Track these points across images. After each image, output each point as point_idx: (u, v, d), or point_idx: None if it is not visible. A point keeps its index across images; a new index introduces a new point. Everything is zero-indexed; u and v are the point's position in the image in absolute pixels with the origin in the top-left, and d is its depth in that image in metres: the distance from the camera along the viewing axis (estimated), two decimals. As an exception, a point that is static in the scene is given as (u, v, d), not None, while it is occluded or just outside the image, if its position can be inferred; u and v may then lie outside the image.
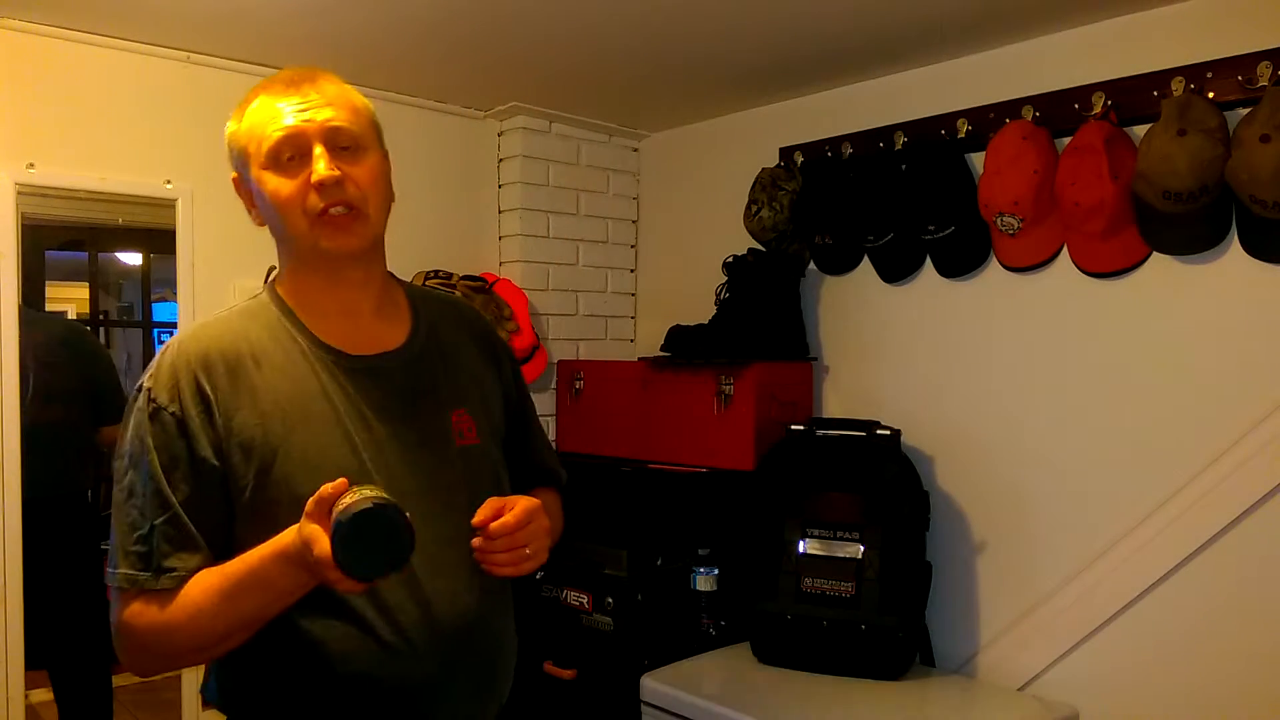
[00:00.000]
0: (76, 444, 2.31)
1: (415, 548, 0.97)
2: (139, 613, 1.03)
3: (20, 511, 2.00)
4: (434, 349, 1.20)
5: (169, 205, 2.24)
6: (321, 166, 1.06)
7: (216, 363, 1.07)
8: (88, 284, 2.51)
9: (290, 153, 1.07)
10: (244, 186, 1.14)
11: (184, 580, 1.03)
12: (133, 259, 2.61)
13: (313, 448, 1.07)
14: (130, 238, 2.38)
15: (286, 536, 0.98)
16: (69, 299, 2.40)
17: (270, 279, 1.21)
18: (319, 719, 1.09)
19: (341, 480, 0.95)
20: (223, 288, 2.32)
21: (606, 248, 2.97)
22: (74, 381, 2.25)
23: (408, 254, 2.57)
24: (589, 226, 2.92)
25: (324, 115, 1.08)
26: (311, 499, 0.94)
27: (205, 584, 1.02)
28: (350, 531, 0.91)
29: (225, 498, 1.06)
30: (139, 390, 1.07)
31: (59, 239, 2.29)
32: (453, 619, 1.11)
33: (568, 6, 1.95)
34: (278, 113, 1.08)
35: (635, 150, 3.02)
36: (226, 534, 1.06)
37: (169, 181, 2.23)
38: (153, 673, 1.12)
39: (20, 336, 2.05)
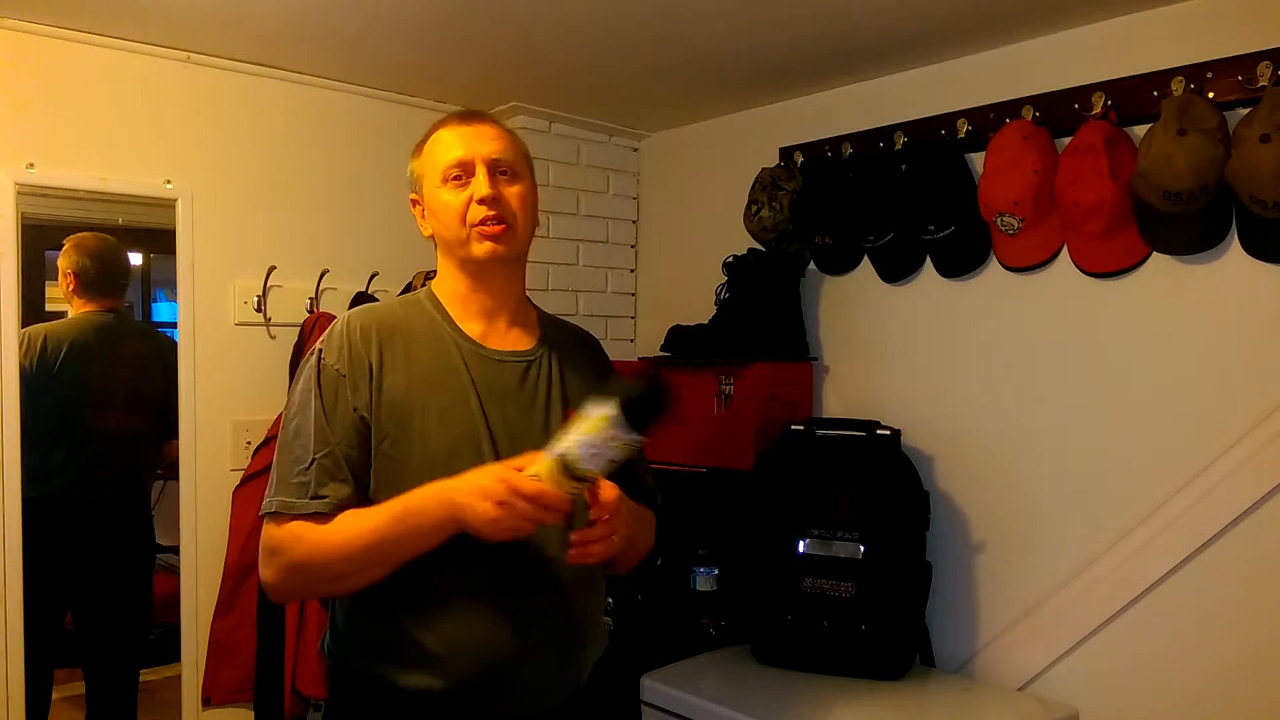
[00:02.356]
0: (146, 450, 2.37)
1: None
2: (296, 534, 1.21)
3: (20, 513, 2.00)
4: (554, 359, 1.40)
5: (169, 205, 2.24)
6: (483, 185, 1.30)
7: (376, 334, 1.30)
8: (88, 284, 2.51)
9: (459, 173, 1.32)
10: (418, 205, 1.40)
11: (335, 506, 1.22)
12: (133, 259, 2.61)
13: (447, 412, 1.28)
14: (130, 238, 2.39)
15: (446, 484, 1.17)
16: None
17: (423, 282, 1.45)
18: (414, 673, 1.23)
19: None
20: (223, 288, 2.33)
21: (606, 248, 2.97)
22: (157, 394, 2.31)
23: (408, 254, 2.57)
24: (589, 226, 2.92)
25: (489, 147, 1.33)
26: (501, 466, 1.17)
27: (357, 516, 1.21)
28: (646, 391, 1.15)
29: (368, 445, 1.26)
30: (312, 352, 1.30)
31: (59, 239, 2.29)
32: (544, 587, 1.28)
33: (568, 6, 1.95)
34: (453, 142, 1.34)
35: (635, 150, 3.02)
36: (366, 478, 1.26)
37: (169, 181, 2.23)
38: (290, 596, 1.32)
39: (122, 345, 2.29)
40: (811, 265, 2.51)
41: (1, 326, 2.00)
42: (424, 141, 1.39)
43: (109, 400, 2.30)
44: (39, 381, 2.11)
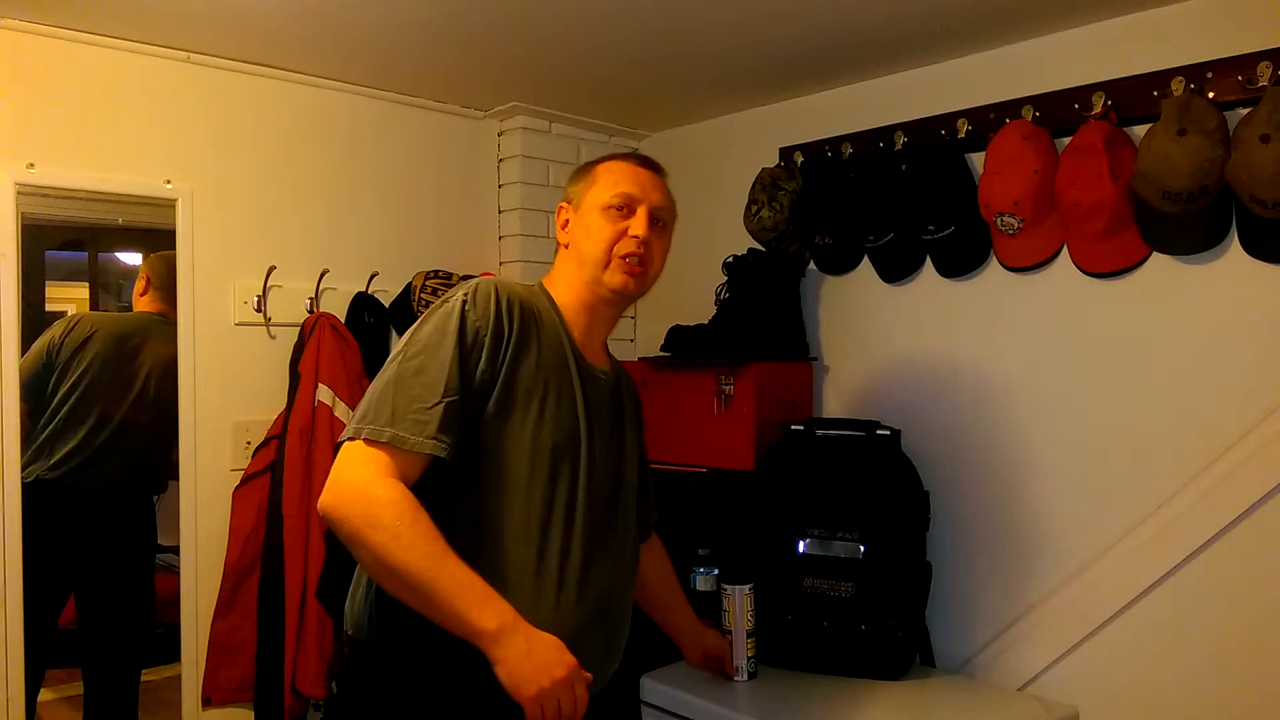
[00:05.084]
0: (158, 450, 2.36)
1: (595, 517, 1.37)
2: (397, 497, 1.18)
3: (20, 509, 2.00)
4: (619, 387, 1.52)
5: (169, 205, 2.24)
6: (642, 226, 1.41)
7: (521, 307, 1.35)
8: (88, 284, 2.51)
9: (623, 205, 1.41)
10: (565, 214, 1.48)
11: (448, 449, 1.23)
12: (133, 259, 2.61)
13: (562, 408, 1.34)
14: (130, 238, 2.39)
15: (520, 618, 1.19)
16: (69, 299, 2.40)
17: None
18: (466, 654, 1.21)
19: None
20: (223, 288, 2.32)
21: (606, 248, 2.96)
22: (176, 397, 2.31)
23: (408, 254, 2.57)
24: (589, 226, 2.91)
25: (656, 196, 1.45)
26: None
27: (446, 550, 1.18)
28: None
29: (481, 408, 1.28)
30: (446, 302, 1.31)
31: (59, 239, 2.30)
32: (600, 590, 1.36)
33: (568, 6, 1.95)
34: (628, 177, 1.44)
35: (635, 150, 3.02)
36: (473, 443, 1.28)
37: (169, 181, 2.23)
38: (336, 531, 1.23)
39: (153, 343, 2.30)
40: (811, 265, 2.51)
41: (1, 326, 2.00)
42: (596, 165, 1.48)
43: (123, 395, 2.30)
44: (53, 358, 2.16)
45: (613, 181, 1.43)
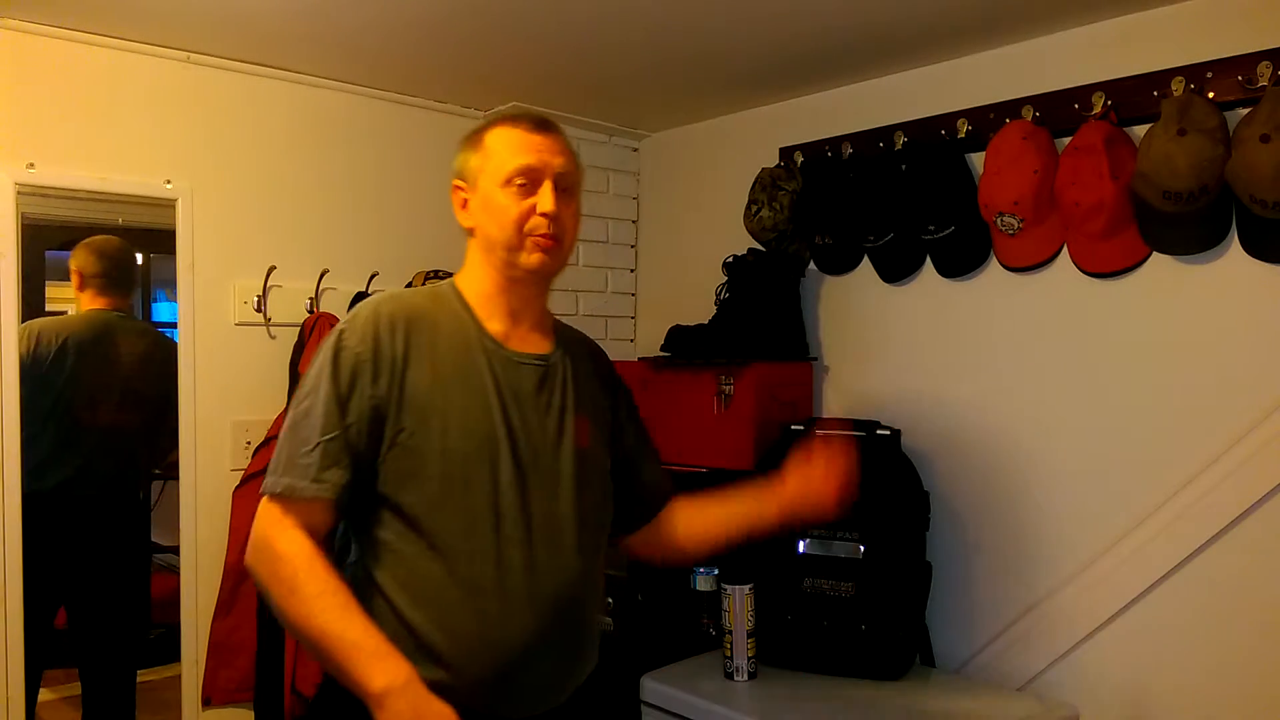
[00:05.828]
0: (140, 449, 2.36)
1: (528, 518, 1.26)
2: (293, 553, 1.18)
3: (20, 511, 2.00)
4: (567, 365, 1.40)
5: (169, 205, 2.24)
6: (549, 200, 1.30)
7: (403, 323, 1.28)
8: (88, 284, 2.51)
9: (525, 180, 1.30)
10: (461, 194, 1.37)
11: (337, 492, 1.21)
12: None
13: (469, 412, 1.27)
14: (130, 238, 2.39)
15: (413, 677, 1.14)
16: (69, 299, 2.40)
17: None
18: (423, 666, 1.19)
19: None
20: (223, 288, 2.32)
21: (606, 248, 2.97)
22: (154, 394, 2.30)
23: (408, 253, 2.57)
24: (589, 226, 2.91)
25: (558, 162, 1.32)
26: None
27: (347, 603, 1.17)
28: None
29: (379, 435, 1.24)
30: (335, 333, 1.27)
31: (59, 239, 2.30)
32: (551, 590, 1.28)
33: (567, 6, 1.95)
34: (524, 147, 1.31)
35: (635, 150, 3.02)
36: (373, 468, 1.24)
37: (169, 181, 2.23)
38: (260, 592, 1.23)
39: (121, 343, 2.27)
40: (811, 265, 2.51)
41: (1, 326, 2.00)
42: (483, 133, 1.35)
43: (104, 398, 2.29)
44: (32, 375, 2.10)
45: (509, 154, 1.31)
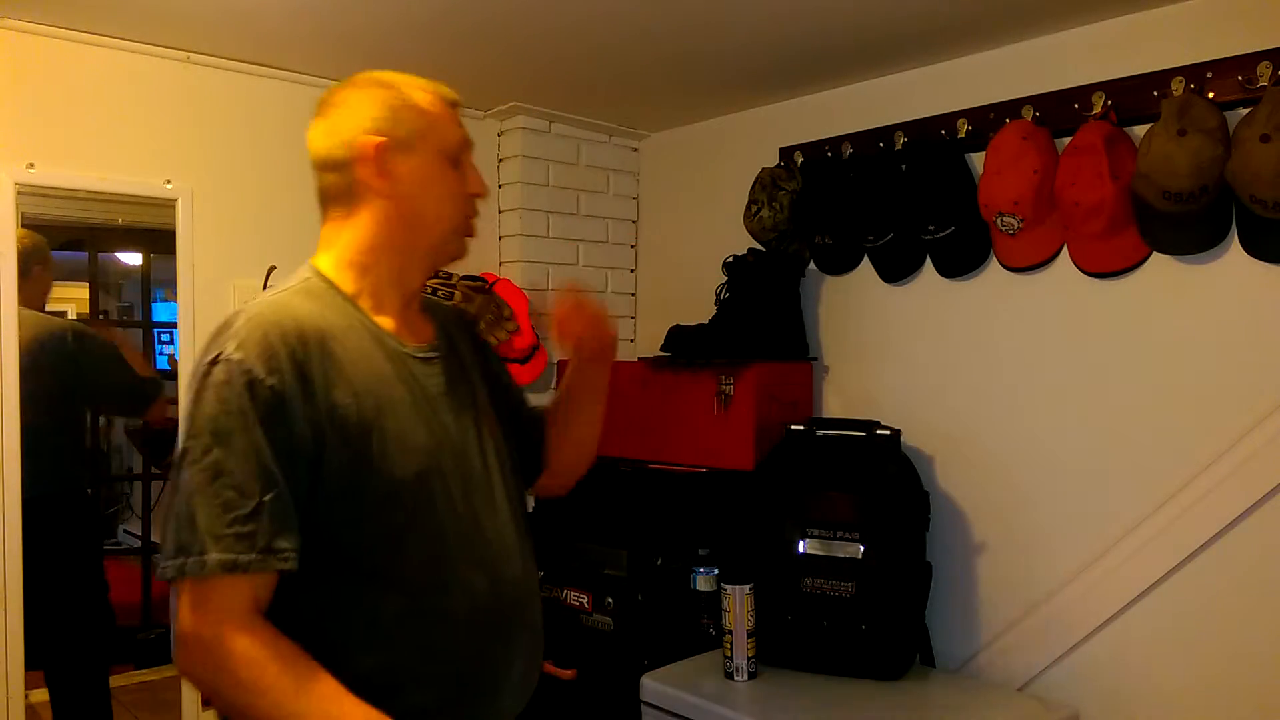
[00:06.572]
0: (73, 443, 2.31)
1: (482, 533, 1.14)
2: (231, 609, 0.96)
3: (20, 510, 2.01)
4: (453, 346, 1.25)
5: (169, 205, 2.24)
6: (482, 182, 1.17)
7: (310, 337, 1.05)
8: (88, 284, 2.51)
9: (463, 157, 1.17)
10: (386, 153, 1.12)
11: (294, 562, 0.99)
12: (133, 259, 2.61)
13: (401, 429, 1.08)
14: (130, 238, 2.39)
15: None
16: (69, 299, 2.40)
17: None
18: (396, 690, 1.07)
19: None
20: (222, 288, 2.32)
21: (606, 248, 2.97)
22: (69, 381, 2.22)
23: (408, 254, 2.57)
24: (589, 226, 2.92)
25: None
26: None
27: (297, 677, 0.98)
28: None
29: (320, 480, 1.03)
30: (217, 362, 1.01)
31: (59, 239, 2.29)
32: (513, 596, 1.17)
33: (568, 6, 1.95)
34: (455, 117, 1.17)
35: (635, 150, 3.02)
36: (315, 520, 1.03)
37: (169, 181, 2.23)
38: (207, 695, 1.01)
39: (35, 340, 2.08)
40: (811, 265, 2.51)
41: (2, 326, 2.00)
42: (403, 88, 1.14)
43: (27, 398, 2.11)
44: None
45: (453, 124, 1.16)
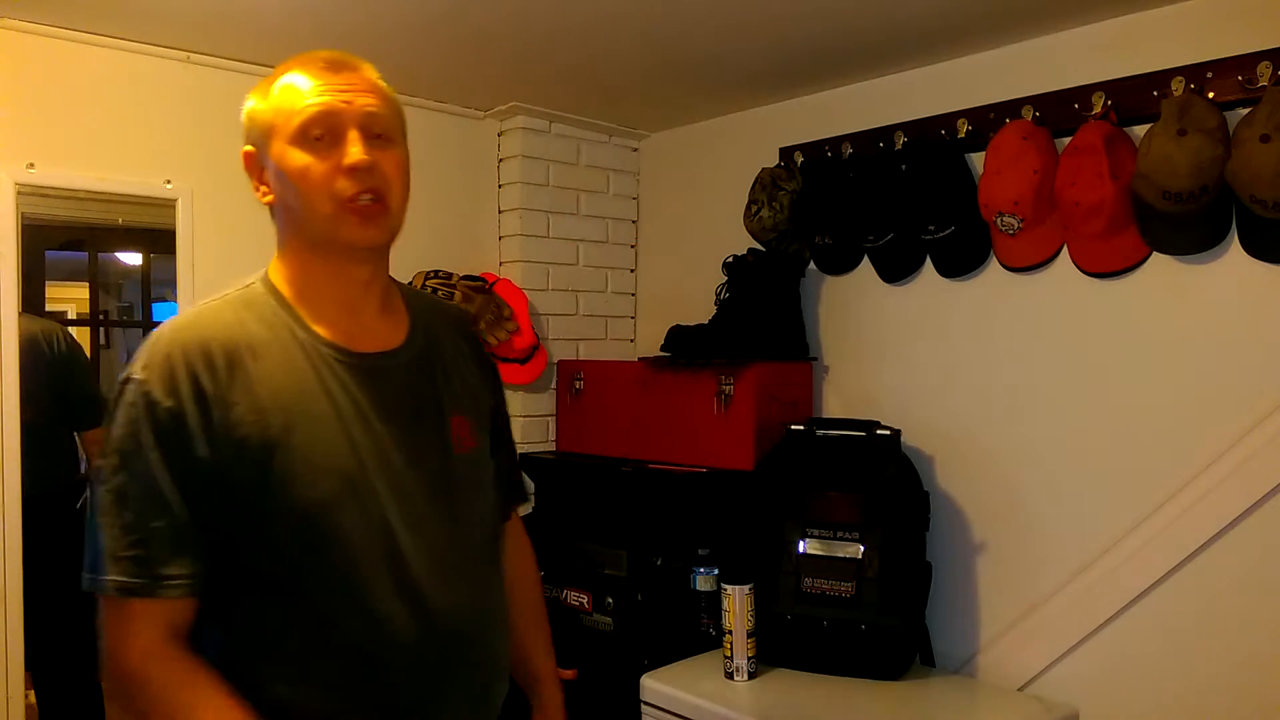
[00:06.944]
0: (55, 444, 2.28)
1: (408, 557, 1.04)
2: (135, 631, 0.98)
3: (20, 510, 2.00)
4: (431, 351, 1.18)
5: (169, 205, 2.24)
6: (356, 150, 1.04)
7: (215, 354, 1.02)
8: (88, 284, 2.51)
9: (321, 131, 1.04)
10: (256, 162, 1.10)
11: (190, 589, 0.99)
12: (133, 259, 2.61)
13: (313, 447, 1.03)
14: (130, 238, 2.39)
15: None
16: (69, 299, 2.40)
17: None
18: None
19: None
20: (223, 288, 2.30)
21: (606, 248, 2.97)
22: (44, 383, 2.18)
23: (408, 254, 2.55)
24: (589, 226, 2.92)
25: (363, 100, 1.07)
26: None
27: (202, 705, 0.97)
28: None
29: (222, 503, 1.00)
30: (127, 382, 1.01)
31: (59, 239, 2.29)
32: (449, 627, 1.09)
33: (568, 6, 1.94)
34: (315, 89, 1.05)
35: (635, 150, 3.02)
36: (221, 543, 1.02)
37: (169, 181, 2.23)
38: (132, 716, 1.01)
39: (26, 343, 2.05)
40: (811, 265, 2.51)
41: (2, 326, 2.00)
42: (271, 80, 1.08)
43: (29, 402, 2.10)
44: None
45: (298, 101, 1.04)
